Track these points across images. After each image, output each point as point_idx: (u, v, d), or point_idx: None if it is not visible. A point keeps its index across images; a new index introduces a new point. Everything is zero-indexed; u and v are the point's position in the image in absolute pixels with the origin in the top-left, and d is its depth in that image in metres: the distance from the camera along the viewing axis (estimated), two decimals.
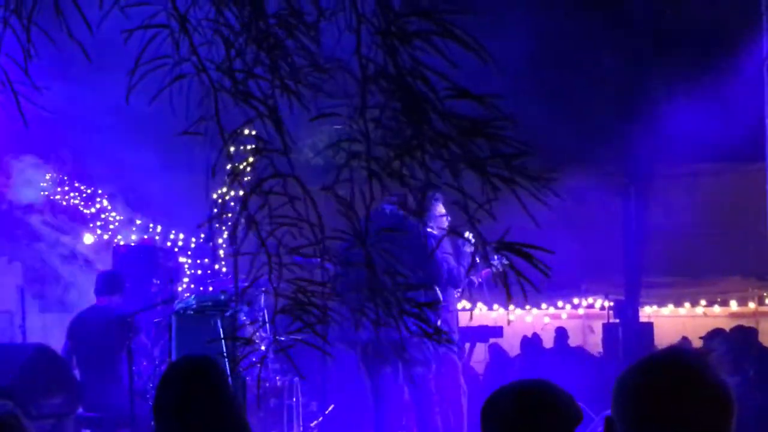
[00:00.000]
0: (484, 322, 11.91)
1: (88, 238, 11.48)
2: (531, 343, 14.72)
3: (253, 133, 2.32)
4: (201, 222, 9.57)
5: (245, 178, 2.32)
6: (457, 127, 2.09)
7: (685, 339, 12.75)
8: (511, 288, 2.30)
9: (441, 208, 7.64)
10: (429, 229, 7.38)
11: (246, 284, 2.44)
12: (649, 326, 13.98)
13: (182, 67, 2.25)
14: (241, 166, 2.37)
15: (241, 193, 2.31)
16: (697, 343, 11.79)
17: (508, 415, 3.01)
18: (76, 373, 8.00)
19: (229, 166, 2.30)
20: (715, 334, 11.40)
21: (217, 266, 10.77)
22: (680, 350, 2.22)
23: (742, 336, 11.53)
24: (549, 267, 2.24)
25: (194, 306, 7.33)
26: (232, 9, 2.22)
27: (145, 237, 11.30)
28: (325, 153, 2.26)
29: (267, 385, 9.41)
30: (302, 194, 2.23)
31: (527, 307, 17.43)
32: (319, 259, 2.30)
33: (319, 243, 2.26)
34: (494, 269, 2.32)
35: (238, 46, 2.19)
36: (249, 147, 2.35)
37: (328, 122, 2.26)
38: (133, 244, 11.04)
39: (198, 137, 2.28)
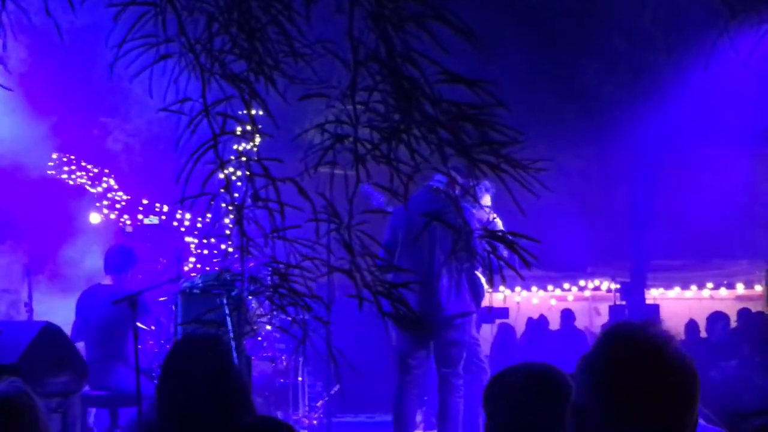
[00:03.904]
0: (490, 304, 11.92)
1: (95, 218, 11.49)
2: (536, 324, 14.73)
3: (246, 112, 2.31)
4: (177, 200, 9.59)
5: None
6: (446, 112, 2.07)
7: (692, 321, 12.70)
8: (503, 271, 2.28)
9: (487, 200, 7.66)
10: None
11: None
12: (655, 308, 13.99)
13: (167, 46, 2.23)
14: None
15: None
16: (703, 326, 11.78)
17: (516, 396, 3.01)
18: (84, 350, 8.02)
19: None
20: (717, 318, 11.40)
21: (223, 246, 10.76)
22: (640, 326, 2.21)
23: (745, 320, 11.54)
24: (535, 256, 2.21)
25: (200, 285, 7.35)
26: None
27: (152, 216, 11.30)
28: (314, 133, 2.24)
29: (272, 365, 9.44)
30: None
31: (533, 288, 17.46)
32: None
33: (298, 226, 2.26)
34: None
35: (223, 21, 2.17)
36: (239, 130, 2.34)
37: (321, 104, 2.24)
38: (139, 224, 11.05)
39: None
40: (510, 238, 2.15)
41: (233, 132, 2.26)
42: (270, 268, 2.29)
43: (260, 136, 2.32)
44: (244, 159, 2.29)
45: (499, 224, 7.91)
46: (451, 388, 7.29)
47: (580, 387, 2.18)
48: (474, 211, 7.42)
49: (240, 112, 2.32)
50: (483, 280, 7.42)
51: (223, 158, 2.22)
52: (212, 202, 2.23)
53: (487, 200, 7.71)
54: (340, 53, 2.16)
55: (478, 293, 7.36)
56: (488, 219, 7.75)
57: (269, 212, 2.20)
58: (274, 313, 2.43)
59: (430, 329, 7.22)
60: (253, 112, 2.33)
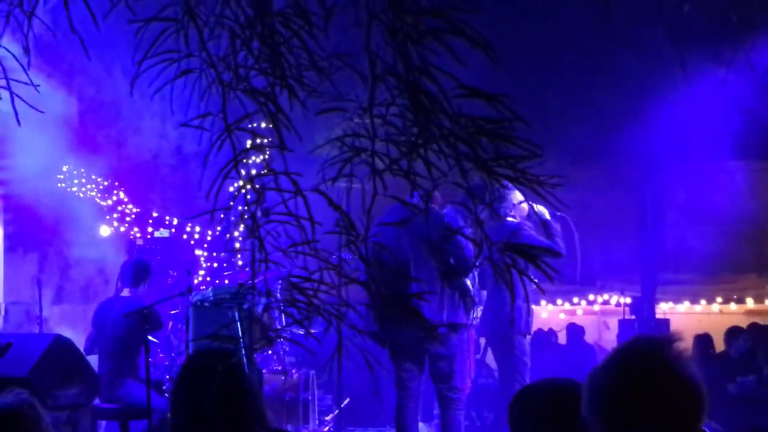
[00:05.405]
0: None
1: (105, 230, 11.51)
2: (544, 338, 14.66)
3: (263, 125, 2.32)
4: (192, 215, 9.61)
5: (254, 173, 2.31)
6: (464, 127, 2.08)
7: (706, 335, 12.57)
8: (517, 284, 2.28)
9: (518, 195, 7.65)
10: (510, 218, 7.70)
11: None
12: (665, 323, 13.94)
13: (189, 61, 2.24)
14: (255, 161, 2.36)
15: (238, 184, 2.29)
16: (717, 340, 11.69)
17: (539, 413, 2.99)
18: (97, 362, 8.03)
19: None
20: (737, 333, 11.31)
21: (233, 259, 10.79)
22: (652, 343, 2.24)
23: (759, 334, 11.47)
24: (556, 270, 2.23)
25: (211, 298, 7.35)
26: (240, 5, 2.22)
27: (162, 229, 11.32)
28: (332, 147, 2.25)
29: (283, 378, 9.44)
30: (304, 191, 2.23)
31: (542, 302, 17.43)
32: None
33: (314, 240, 2.26)
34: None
35: (245, 38, 2.18)
36: (256, 142, 2.34)
37: (338, 117, 2.25)
38: (149, 237, 11.07)
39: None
40: (530, 251, 2.15)
41: (255, 147, 2.27)
42: (282, 282, 2.30)
43: (282, 150, 2.32)
44: (265, 172, 2.29)
45: (545, 213, 7.91)
46: (448, 402, 7.29)
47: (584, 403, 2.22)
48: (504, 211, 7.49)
49: (252, 125, 2.33)
50: (471, 290, 7.30)
51: (244, 171, 2.23)
52: (243, 218, 2.23)
53: (518, 195, 7.68)
54: (357, 67, 2.17)
55: (464, 303, 7.21)
56: (532, 210, 7.79)
57: (299, 225, 2.21)
58: (290, 327, 2.43)
59: (408, 343, 7.15)
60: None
